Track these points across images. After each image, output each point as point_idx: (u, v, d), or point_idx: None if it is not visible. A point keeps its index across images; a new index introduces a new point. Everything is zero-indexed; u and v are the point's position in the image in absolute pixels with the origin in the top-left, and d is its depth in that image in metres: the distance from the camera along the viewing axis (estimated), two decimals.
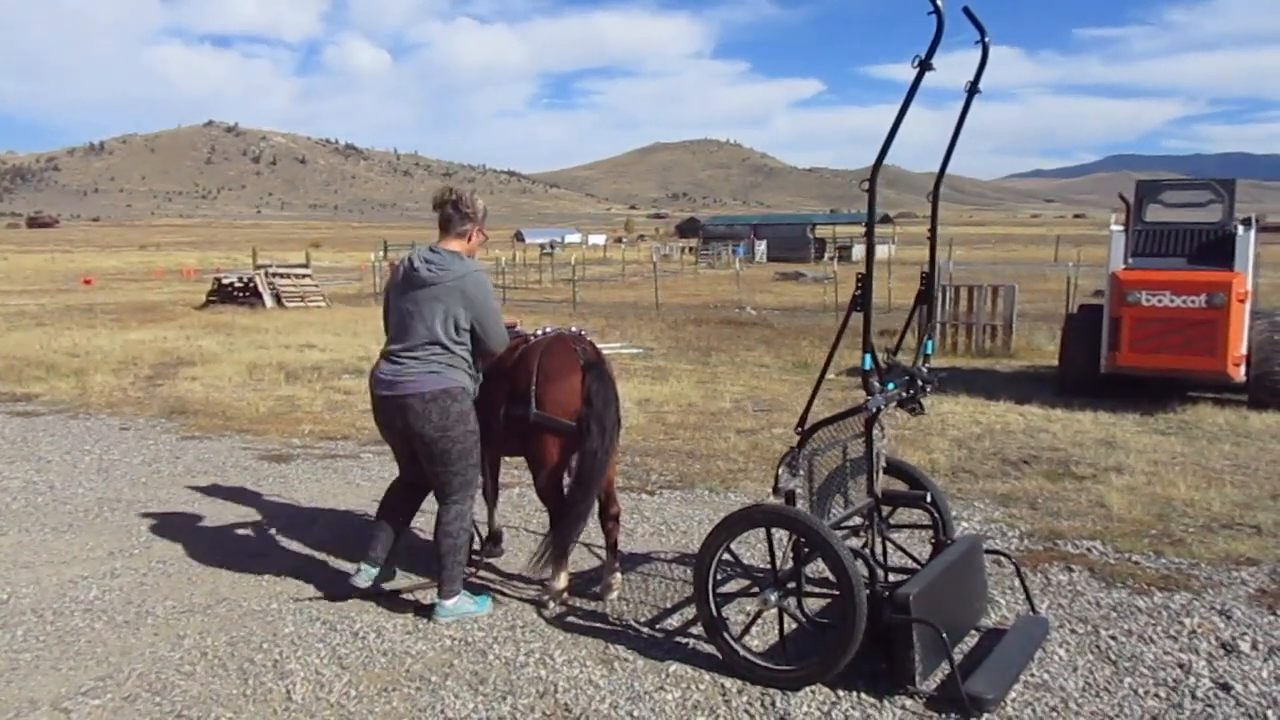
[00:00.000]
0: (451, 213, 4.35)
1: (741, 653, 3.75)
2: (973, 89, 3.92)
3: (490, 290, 4.40)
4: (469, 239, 4.40)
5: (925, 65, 3.47)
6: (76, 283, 36.50)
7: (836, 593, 3.61)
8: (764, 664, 3.72)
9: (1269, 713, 3.44)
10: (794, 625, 3.85)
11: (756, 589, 3.95)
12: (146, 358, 14.03)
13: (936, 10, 3.41)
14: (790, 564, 3.77)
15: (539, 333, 4.64)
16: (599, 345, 4.69)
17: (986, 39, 3.82)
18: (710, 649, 3.90)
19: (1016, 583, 4.48)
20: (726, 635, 3.79)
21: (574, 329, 4.72)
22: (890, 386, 3.96)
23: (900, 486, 4.42)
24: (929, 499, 4.25)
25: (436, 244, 4.38)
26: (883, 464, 4.19)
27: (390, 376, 4.22)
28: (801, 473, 3.78)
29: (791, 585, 3.76)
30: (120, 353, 14.57)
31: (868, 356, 3.74)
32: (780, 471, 3.70)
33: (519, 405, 4.37)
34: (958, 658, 3.57)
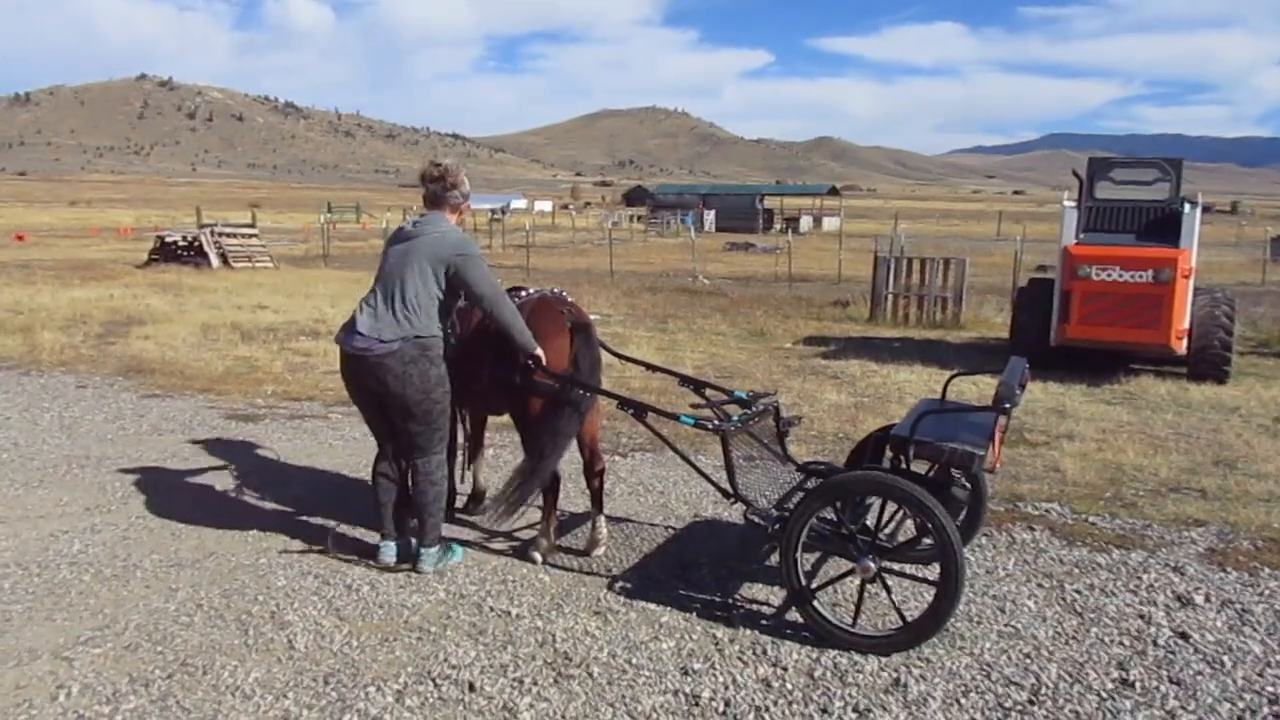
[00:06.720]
0: (438, 189, 4.39)
1: (834, 620, 3.72)
2: None
3: (474, 243, 4.45)
4: (459, 213, 4.49)
5: None
6: (7, 239, 35.30)
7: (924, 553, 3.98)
8: (866, 634, 3.69)
9: (1225, 658, 3.68)
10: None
11: (850, 557, 3.81)
12: (95, 315, 13.72)
13: None
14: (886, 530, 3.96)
15: (524, 294, 4.69)
16: None
17: None
18: (697, 603, 4.05)
19: None
20: (816, 606, 3.73)
21: (554, 290, 4.78)
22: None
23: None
24: None
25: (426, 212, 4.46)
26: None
27: (367, 331, 4.17)
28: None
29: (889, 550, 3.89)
30: (66, 310, 14.22)
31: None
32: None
33: (505, 367, 4.42)
34: None
